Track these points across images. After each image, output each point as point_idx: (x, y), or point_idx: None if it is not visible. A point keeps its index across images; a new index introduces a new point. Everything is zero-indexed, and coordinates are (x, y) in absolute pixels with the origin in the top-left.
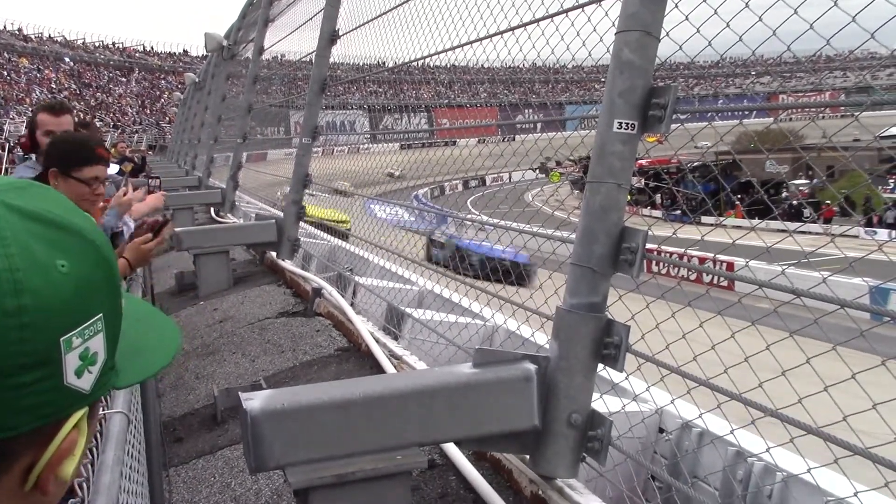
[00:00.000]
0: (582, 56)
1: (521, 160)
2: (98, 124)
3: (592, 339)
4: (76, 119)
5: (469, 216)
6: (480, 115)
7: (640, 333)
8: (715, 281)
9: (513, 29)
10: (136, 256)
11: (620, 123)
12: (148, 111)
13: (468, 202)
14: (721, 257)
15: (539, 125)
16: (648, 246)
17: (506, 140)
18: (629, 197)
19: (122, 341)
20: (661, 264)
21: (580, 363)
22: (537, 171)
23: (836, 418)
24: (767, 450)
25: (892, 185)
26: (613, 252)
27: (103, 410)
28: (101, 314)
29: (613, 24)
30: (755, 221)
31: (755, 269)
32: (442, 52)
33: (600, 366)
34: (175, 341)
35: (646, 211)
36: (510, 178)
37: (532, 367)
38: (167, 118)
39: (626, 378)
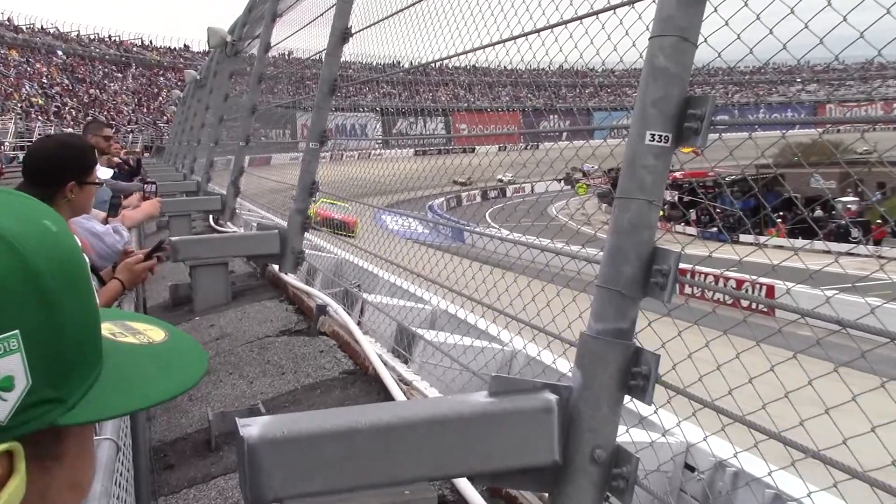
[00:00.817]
0: (612, 60)
1: (545, 171)
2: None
3: (619, 369)
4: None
5: (488, 230)
6: (501, 120)
7: (671, 363)
8: (754, 306)
9: (538, 31)
10: (129, 278)
11: (653, 135)
12: (145, 110)
13: (486, 215)
14: (761, 280)
15: (565, 133)
16: (681, 266)
17: (529, 148)
18: (661, 212)
19: (110, 372)
20: (695, 287)
21: (605, 394)
22: (562, 181)
23: (885, 461)
24: (808, 494)
25: None
26: (643, 274)
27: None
28: (16, 331)
29: (647, 28)
30: (798, 242)
31: (797, 295)
32: (462, 53)
33: (627, 397)
34: (176, 387)
35: (679, 227)
36: (532, 189)
37: (553, 397)
38: (165, 118)
39: (655, 411)
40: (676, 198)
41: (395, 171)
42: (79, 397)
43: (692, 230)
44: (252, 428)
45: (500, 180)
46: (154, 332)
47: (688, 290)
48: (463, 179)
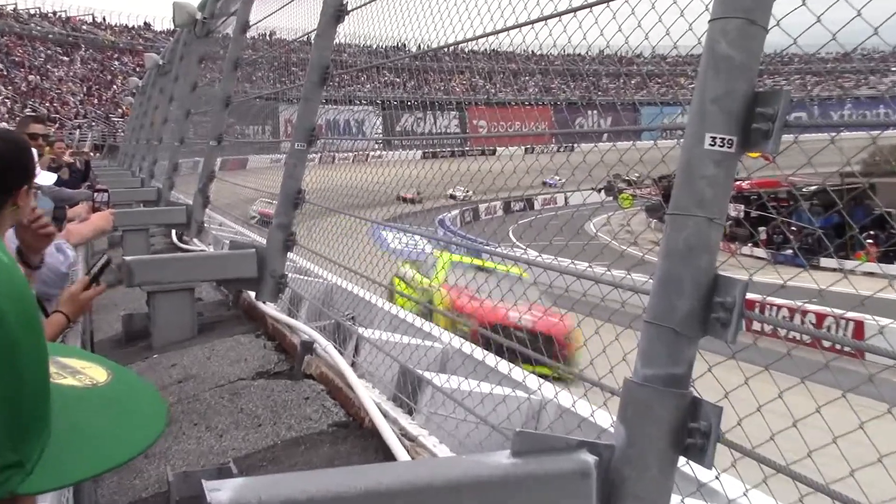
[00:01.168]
0: (664, 45)
1: (582, 179)
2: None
3: (672, 424)
4: (34, 112)
5: (511, 251)
6: (529, 116)
7: (737, 417)
8: (839, 347)
9: (575, 10)
10: (74, 308)
11: (714, 138)
12: (95, 101)
13: (510, 231)
14: (847, 315)
15: (606, 132)
16: (749, 297)
17: (562, 150)
18: (723, 231)
19: (61, 426)
20: (766, 324)
21: (655, 454)
22: (602, 192)
23: None
24: None
25: None
26: (702, 308)
27: None
28: None
29: (707, 9)
30: (892, 268)
31: (892, 334)
32: (481, 36)
33: (682, 459)
34: (137, 443)
35: (746, 249)
36: (566, 201)
37: (591, 458)
38: (120, 111)
39: (717, 477)
40: (742, 213)
41: (399, 177)
42: (36, 460)
43: (762, 253)
44: (222, 492)
45: (453, 196)
46: (94, 371)
47: (756, 326)
48: (411, 195)
